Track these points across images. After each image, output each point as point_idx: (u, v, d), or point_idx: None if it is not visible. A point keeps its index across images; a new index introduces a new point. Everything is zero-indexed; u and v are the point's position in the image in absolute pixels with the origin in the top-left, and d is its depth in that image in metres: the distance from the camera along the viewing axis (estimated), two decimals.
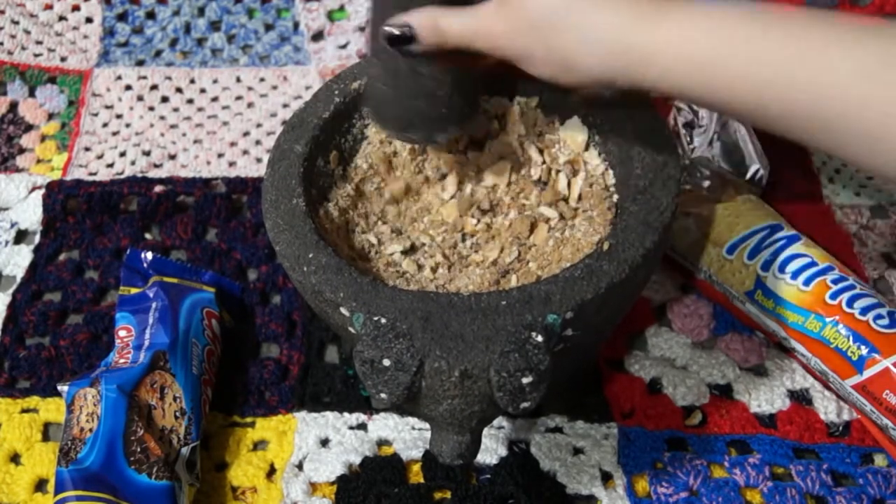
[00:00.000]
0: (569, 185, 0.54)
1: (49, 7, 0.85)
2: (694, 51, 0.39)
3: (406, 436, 0.57)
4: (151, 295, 0.59)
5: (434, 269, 0.52)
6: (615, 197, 0.52)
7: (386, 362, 0.41)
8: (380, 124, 0.52)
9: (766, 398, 0.58)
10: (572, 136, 0.54)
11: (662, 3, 0.40)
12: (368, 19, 0.49)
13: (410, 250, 0.53)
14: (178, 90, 0.81)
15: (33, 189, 0.72)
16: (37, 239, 0.69)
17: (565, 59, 0.42)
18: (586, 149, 0.54)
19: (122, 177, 0.72)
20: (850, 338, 0.55)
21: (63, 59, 0.83)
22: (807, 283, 0.57)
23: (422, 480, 0.55)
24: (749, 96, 0.38)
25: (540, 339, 0.41)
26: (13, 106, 0.79)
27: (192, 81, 0.82)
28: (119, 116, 0.79)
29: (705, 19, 0.39)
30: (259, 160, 0.76)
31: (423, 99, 0.48)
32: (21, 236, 0.70)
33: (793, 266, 0.58)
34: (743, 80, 0.38)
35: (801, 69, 0.37)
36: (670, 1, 0.40)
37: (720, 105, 0.41)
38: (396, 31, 0.45)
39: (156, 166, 0.75)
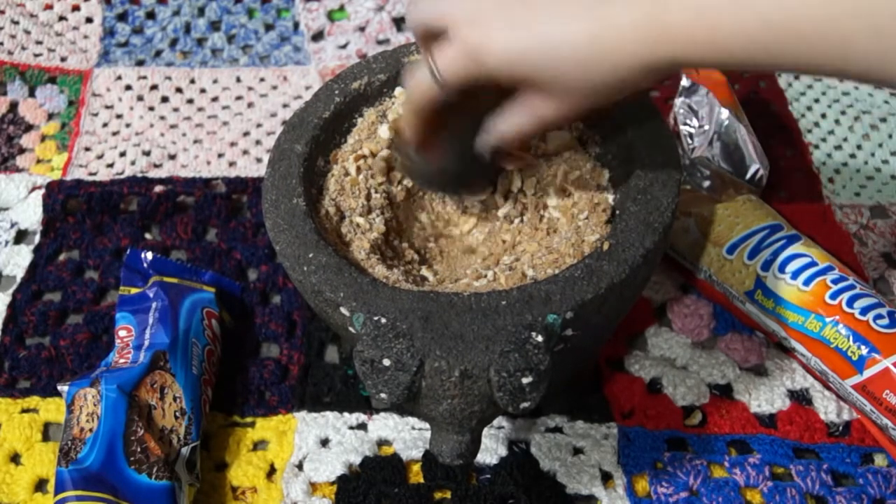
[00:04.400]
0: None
1: (49, 7, 0.85)
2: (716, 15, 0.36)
3: (406, 436, 0.57)
4: (151, 295, 0.59)
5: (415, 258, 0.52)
6: (609, 197, 0.52)
7: (386, 362, 0.41)
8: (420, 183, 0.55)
9: (766, 398, 0.58)
10: (558, 136, 0.54)
11: None
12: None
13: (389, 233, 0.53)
14: (178, 90, 0.81)
15: (33, 189, 0.72)
16: (37, 239, 0.69)
17: (610, 89, 0.40)
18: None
19: (122, 177, 0.72)
20: (850, 338, 0.55)
21: (63, 59, 0.83)
22: (807, 283, 0.58)
23: (422, 480, 0.55)
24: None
25: (540, 339, 0.41)
26: (13, 106, 0.79)
27: (192, 81, 0.82)
28: (119, 116, 0.79)
29: None
30: (259, 160, 0.76)
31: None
32: (21, 236, 0.70)
33: (793, 266, 0.58)
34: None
35: None
36: None
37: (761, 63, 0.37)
38: (492, 151, 0.46)
39: (156, 166, 0.75)
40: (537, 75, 0.40)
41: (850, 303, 0.56)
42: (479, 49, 0.40)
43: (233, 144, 0.77)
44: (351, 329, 0.45)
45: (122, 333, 0.57)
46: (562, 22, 0.38)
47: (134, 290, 0.60)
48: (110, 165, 0.75)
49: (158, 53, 0.85)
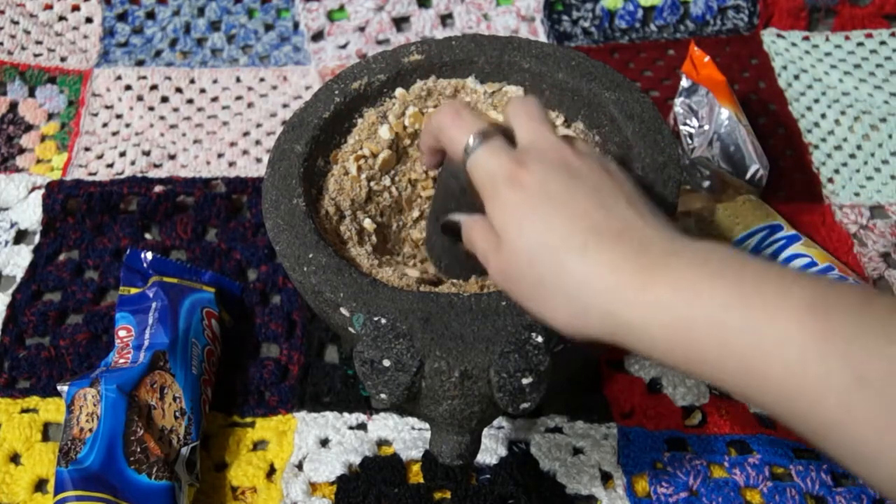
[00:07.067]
0: None
1: (49, 7, 0.85)
2: (684, 324, 0.34)
3: (406, 436, 0.57)
4: (151, 295, 0.59)
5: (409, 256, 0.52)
6: None
7: (386, 363, 0.41)
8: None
9: None
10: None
11: (652, 261, 0.36)
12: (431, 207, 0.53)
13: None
14: (178, 90, 0.81)
15: (33, 189, 0.72)
16: (37, 239, 0.69)
17: (554, 319, 0.38)
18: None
19: (122, 177, 0.72)
20: None
21: (63, 59, 0.83)
22: None
23: (422, 480, 0.55)
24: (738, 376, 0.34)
25: (540, 339, 0.41)
26: (13, 106, 0.79)
27: (192, 81, 0.82)
28: (119, 116, 0.79)
29: (698, 282, 0.34)
30: (259, 160, 0.76)
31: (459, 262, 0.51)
32: (21, 236, 0.70)
33: (793, 266, 0.58)
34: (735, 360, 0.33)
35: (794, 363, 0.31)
36: (661, 260, 0.36)
37: (709, 379, 0.35)
38: (449, 225, 0.46)
39: (156, 166, 0.75)
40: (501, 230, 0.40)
41: None
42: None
43: (233, 144, 0.77)
44: (351, 329, 0.45)
45: (121, 333, 0.57)
46: (561, 235, 0.37)
47: (134, 290, 0.60)
48: (110, 165, 0.75)
49: (158, 53, 0.85)
